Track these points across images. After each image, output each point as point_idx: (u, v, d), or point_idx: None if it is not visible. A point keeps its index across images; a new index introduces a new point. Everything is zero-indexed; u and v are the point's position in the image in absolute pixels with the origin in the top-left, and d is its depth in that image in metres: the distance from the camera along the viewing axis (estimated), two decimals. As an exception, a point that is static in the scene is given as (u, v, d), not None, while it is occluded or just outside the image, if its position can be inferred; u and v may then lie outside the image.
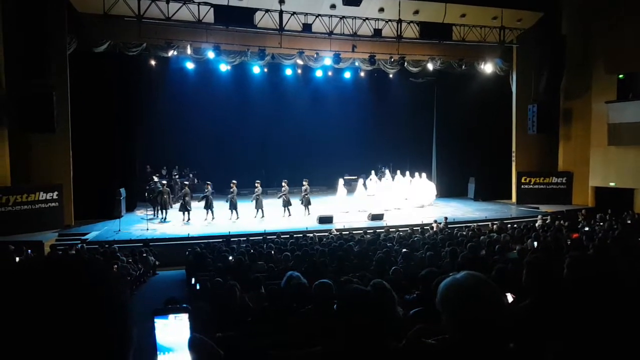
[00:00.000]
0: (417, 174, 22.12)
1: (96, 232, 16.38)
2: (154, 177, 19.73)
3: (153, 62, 20.10)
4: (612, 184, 20.69)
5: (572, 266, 3.53)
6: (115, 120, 19.39)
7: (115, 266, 10.33)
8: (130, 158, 20.77)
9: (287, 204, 19.01)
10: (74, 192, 17.54)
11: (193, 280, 8.59)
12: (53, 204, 16.53)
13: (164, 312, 1.43)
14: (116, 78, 19.07)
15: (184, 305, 1.48)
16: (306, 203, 19.30)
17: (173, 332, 1.43)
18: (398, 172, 22.80)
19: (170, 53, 18.82)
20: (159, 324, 1.42)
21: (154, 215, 18.61)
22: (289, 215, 19.03)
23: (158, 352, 1.42)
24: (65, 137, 17.16)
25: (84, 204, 17.82)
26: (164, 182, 19.53)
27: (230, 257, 10.15)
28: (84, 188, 17.83)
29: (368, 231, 15.23)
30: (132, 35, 17.65)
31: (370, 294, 2.17)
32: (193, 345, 1.43)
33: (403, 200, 21.40)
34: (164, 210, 18.32)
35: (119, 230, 16.22)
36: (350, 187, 22.43)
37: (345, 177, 23.38)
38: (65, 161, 17.36)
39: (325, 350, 2.12)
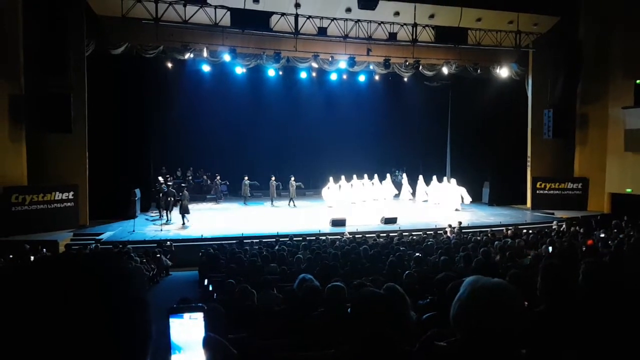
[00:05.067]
0: (452, 179, 22.65)
1: (110, 232, 16.52)
2: (159, 178, 19.86)
3: (169, 65, 20.22)
4: (628, 191, 20.36)
5: (587, 273, 3.49)
6: (131, 122, 19.58)
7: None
8: (146, 159, 20.95)
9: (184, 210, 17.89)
10: (89, 192, 17.73)
11: (206, 282, 8.63)
12: (68, 204, 16.71)
13: (179, 311, 1.44)
14: (133, 80, 19.24)
15: (199, 304, 1.49)
16: (183, 211, 17.95)
17: (188, 331, 1.44)
18: (434, 177, 23.68)
19: (187, 56, 18.96)
20: (174, 323, 1.43)
21: (159, 217, 18.71)
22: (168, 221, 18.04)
23: (172, 351, 1.43)
24: (81, 138, 17.36)
25: (99, 204, 17.99)
26: (170, 183, 19.70)
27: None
28: (100, 188, 18.01)
29: (381, 235, 15.17)
30: (149, 37, 17.84)
31: (385, 298, 2.16)
32: (208, 344, 1.44)
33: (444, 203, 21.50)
34: (167, 212, 18.42)
35: (133, 231, 16.35)
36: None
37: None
38: (81, 161, 17.55)
39: (338, 353, 2.12)
